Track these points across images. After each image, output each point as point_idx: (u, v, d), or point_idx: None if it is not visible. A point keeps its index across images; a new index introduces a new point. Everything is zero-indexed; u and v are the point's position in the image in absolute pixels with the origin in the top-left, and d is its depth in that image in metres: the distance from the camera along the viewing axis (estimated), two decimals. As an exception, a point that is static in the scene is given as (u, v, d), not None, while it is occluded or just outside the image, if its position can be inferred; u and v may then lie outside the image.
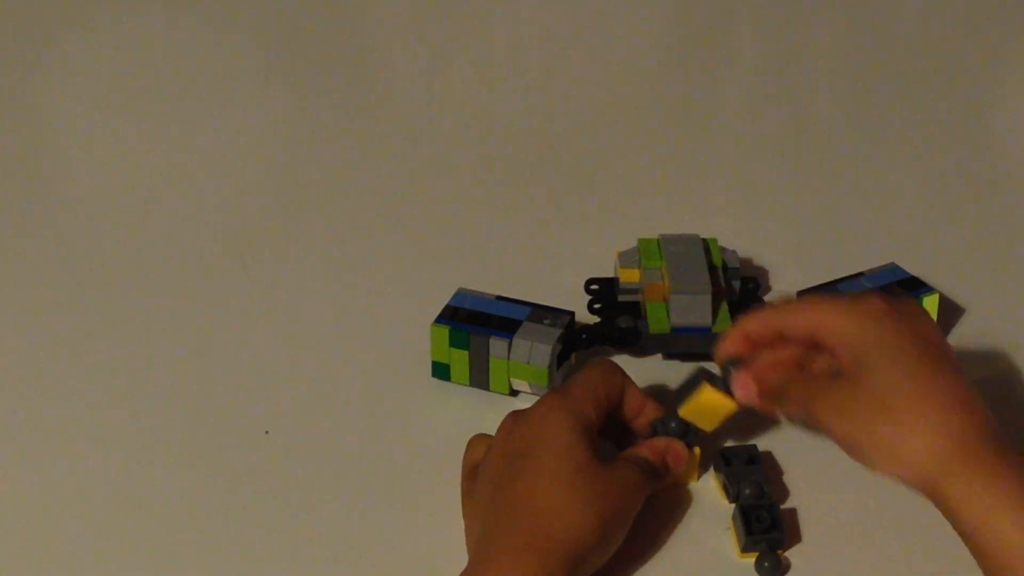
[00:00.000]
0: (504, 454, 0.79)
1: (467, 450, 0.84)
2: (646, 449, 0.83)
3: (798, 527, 0.82)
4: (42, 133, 1.26)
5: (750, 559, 0.80)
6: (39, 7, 1.41)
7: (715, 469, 0.85)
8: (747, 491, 0.82)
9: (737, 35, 1.41)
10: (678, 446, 0.83)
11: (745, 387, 0.80)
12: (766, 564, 0.79)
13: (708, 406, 0.82)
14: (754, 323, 0.80)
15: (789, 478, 0.85)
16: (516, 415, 0.81)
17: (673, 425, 0.84)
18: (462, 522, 0.81)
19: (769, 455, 0.86)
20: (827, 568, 0.80)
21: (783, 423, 0.88)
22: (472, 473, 0.82)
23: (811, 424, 0.78)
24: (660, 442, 0.83)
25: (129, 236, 1.09)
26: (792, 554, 0.80)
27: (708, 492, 0.85)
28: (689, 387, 0.88)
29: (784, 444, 0.87)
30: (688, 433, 0.84)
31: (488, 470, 0.80)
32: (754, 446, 0.86)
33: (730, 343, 0.81)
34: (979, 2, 1.44)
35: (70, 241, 1.09)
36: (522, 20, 1.43)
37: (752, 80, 1.34)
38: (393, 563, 0.81)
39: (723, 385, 0.81)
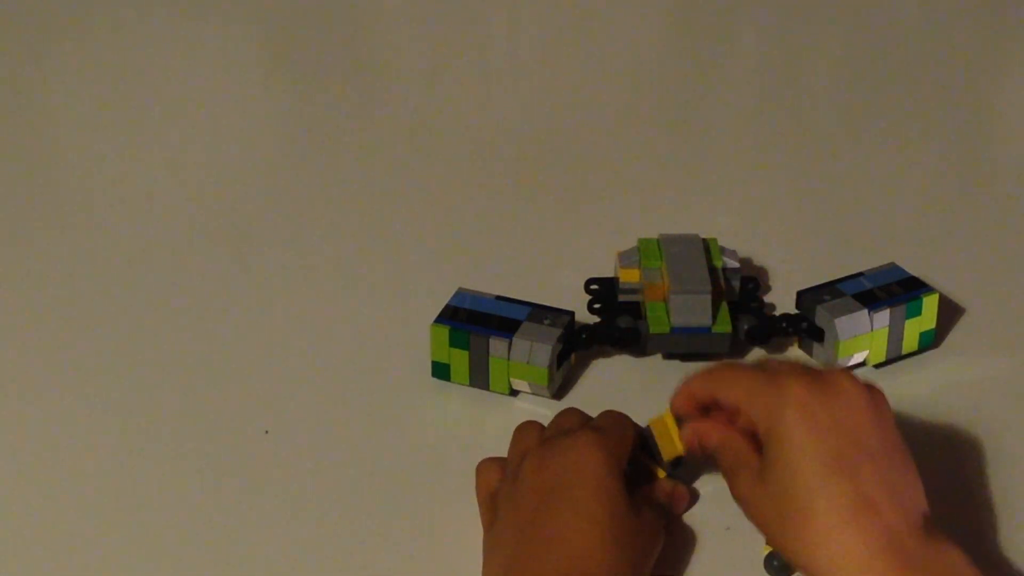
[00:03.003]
0: (536, 487, 0.77)
1: (480, 477, 0.82)
2: (659, 492, 0.82)
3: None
4: (42, 131, 1.26)
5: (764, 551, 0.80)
6: (40, 5, 1.41)
7: None
8: None
9: (737, 35, 1.41)
10: (681, 490, 0.83)
11: (688, 440, 0.80)
12: (775, 563, 0.79)
13: (669, 430, 0.82)
14: (696, 386, 0.80)
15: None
16: (546, 447, 0.79)
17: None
18: (462, 522, 0.81)
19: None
20: None
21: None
22: (490, 502, 0.80)
23: None
24: (666, 484, 0.83)
25: (129, 235, 1.09)
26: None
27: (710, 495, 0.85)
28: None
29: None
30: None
31: (515, 501, 0.78)
32: None
33: (679, 401, 0.81)
34: (979, 2, 1.44)
35: (70, 240, 1.09)
36: (522, 20, 1.43)
37: (752, 80, 1.34)
38: (393, 563, 0.81)
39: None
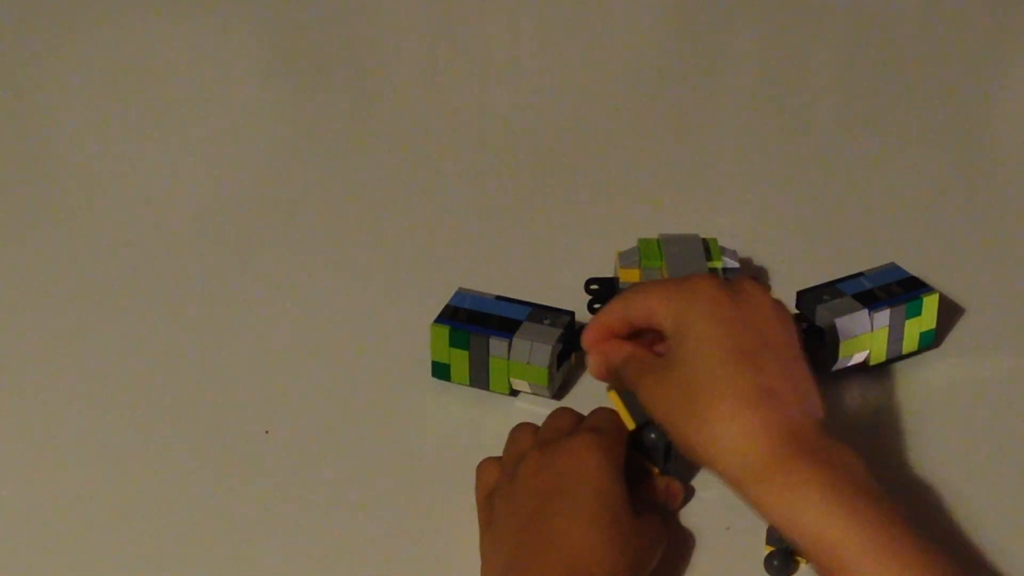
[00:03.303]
0: (535, 489, 0.77)
1: (479, 476, 0.82)
2: (654, 492, 0.83)
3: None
4: (43, 131, 1.25)
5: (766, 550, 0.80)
6: (40, 5, 1.41)
7: None
8: None
9: (737, 35, 1.41)
10: (676, 486, 0.83)
11: (595, 367, 0.81)
12: (775, 563, 0.79)
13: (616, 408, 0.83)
14: (606, 315, 0.81)
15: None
16: (544, 449, 0.79)
17: (652, 435, 0.83)
18: (462, 522, 0.81)
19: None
20: None
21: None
22: (487, 503, 0.81)
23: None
24: (660, 482, 0.83)
25: (128, 235, 1.09)
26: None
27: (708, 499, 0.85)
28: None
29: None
30: (667, 439, 0.83)
31: (514, 503, 0.78)
32: None
33: (590, 334, 0.81)
34: (979, 2, 1.44)
35: (70, 239, 1.09)
36: (522, 20, 1.43)
37: (752, 80, 1.34)
38: (393, 563, 0.81)
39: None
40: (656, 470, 0.83)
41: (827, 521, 0.68)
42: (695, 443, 0.72)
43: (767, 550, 0.80)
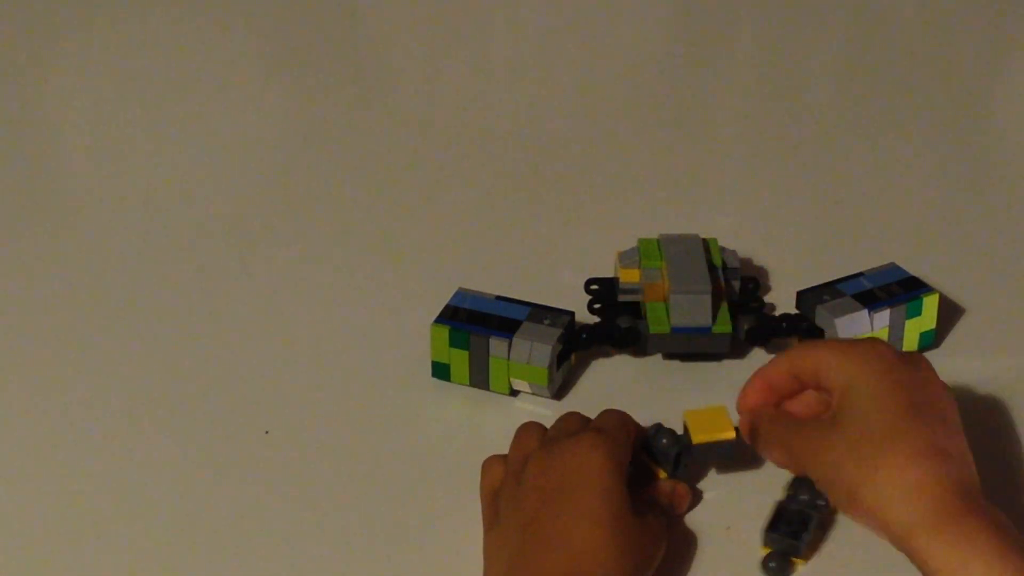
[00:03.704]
0: (540, 489, 0.77)
1: (484, 475, 0.82)
2: (659, 494, 0.82)
3: (823, 539, 0.82)
4: (43, 130, 1.26)
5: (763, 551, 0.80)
6: (40, 5, 1.41)
7: None
8: (804, 495, 0.82)
9: (737, 35, 1.41)
10: (683, 489, 0.83)
11: (743, 425, 0.81)
12: (772, 564, 0.79)
13: (714, 418, 0.82)
14: (771, 368, 0.81)
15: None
16: (549, 448, 0.80)
17: (664, 441, 0.83)
18: (462, 522, 0.81)
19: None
20: None
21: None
22: (493, 501, 0.81)
23: (795, 468, 0.78)
24: (667, 485, 0.83)
25: (129, 235, 1.09)
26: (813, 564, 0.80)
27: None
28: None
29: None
30: (679, 447, 0.83)
31: (518, 502, 0.78)
32: None
33: (752, 391, 0.81)
34: (979, 2, 1.44)
35: (70, 239, 1.09)
36: (522, 20, 1.43)
37: (752, 79, 1.34)
38: (393, 563, 0.81)
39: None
40: (663, 474, 0.83)
41: (998, 574, 0.68)
42: (863, 494, 0.72)
43: (764, 552, 0.80)
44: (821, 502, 0.81)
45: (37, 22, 1.39)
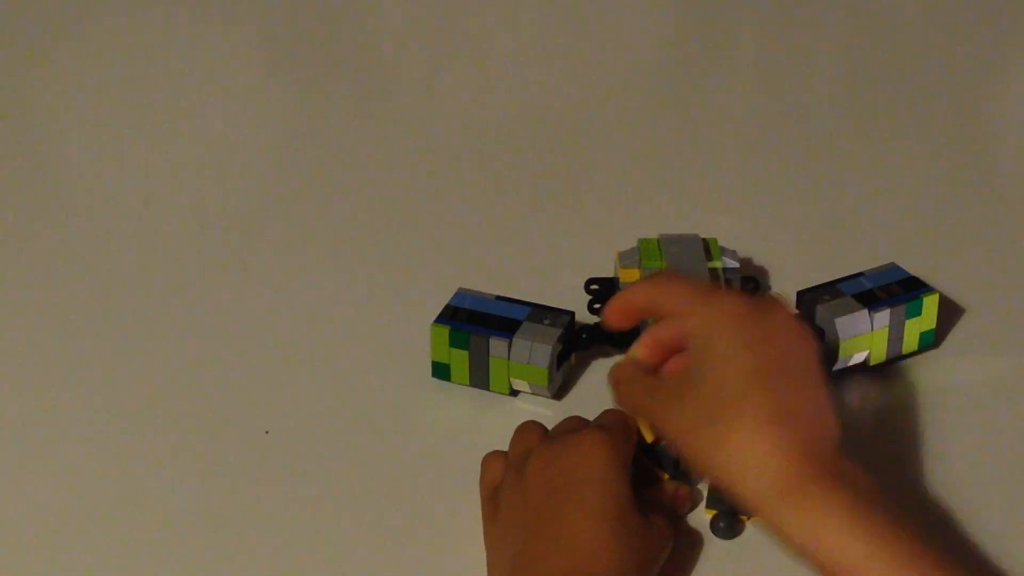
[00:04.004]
0: (542, 486, 0.77)
1: (484, 470, 0.82)
2: (662, 494, 0.82)
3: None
4: (43, 130, 1.25)
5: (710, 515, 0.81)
6: (40, 5, 1.41)
7: None
8: None
9: (737, 35, 1.41)
10: (684, 491, 0.83)
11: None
12: (721, 524, 0.79)
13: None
14: (634, 293, 0.80)
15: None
16: (551, 445, 0.79)
17: (664, 443, 0.83)
18: (462, 522, 0.81)
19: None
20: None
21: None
22: (493, 496, 0.81)
23: (659, 432, 0.78)
24: (669, 486, 0.83)
25: (129, 235, 1.09)
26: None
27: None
28: None
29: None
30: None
31: (521, 497, 0.78)
32: None
33: (614, 313, 0.81)
34: (979, 2, 1.44)
35: (70, 239, 1.09)
36: (522, 20, 1.43)
37: (752, 80, 1.34)
38: (393, 563, 0.81)
39: None
40: (666, 476, 0.83)
41: (847, 543, 0.67)
42: (715, 463, 0.72)
43: (709, 514, 0.80)
44: None
45: (37, 22, 1.39)
